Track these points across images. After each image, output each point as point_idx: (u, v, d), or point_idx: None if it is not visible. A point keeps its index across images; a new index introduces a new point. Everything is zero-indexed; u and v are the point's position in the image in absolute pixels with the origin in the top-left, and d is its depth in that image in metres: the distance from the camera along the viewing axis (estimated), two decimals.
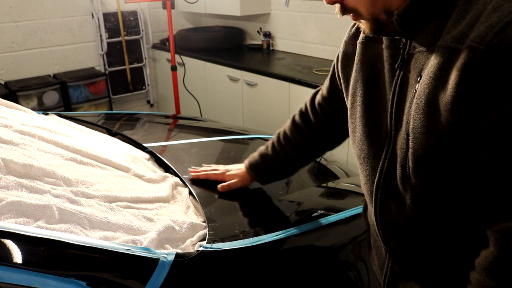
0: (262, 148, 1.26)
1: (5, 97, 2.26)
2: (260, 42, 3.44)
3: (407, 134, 0.71)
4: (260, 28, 3.46)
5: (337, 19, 3.38)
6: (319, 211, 1.25)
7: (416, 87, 0.70)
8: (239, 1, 3.16)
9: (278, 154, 1.20)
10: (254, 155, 1.27)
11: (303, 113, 1.17)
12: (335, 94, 1.03)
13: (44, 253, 0.81)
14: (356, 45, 0.87)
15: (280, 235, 1.08)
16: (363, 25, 0.75)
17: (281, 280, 1.03)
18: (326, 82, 1.07)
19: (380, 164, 0.79)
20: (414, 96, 0.70)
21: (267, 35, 3.38)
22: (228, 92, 3.16)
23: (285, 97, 2.66)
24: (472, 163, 0.65)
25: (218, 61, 3.19)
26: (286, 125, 1.21)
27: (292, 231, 1.11)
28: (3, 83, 3.27)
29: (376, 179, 0.81)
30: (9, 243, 0.79)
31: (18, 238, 0.80)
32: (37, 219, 0.91)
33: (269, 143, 1.24)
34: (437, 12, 0.68)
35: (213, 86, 3.33)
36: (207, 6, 3.46)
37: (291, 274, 1.06)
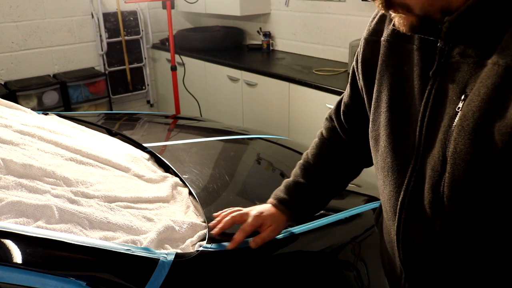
0: (289, 180, 1.04)
1: (5, 97, 2.26)
2: (260, 42, 3.44)
3: (444, 156, 0.63)
4: (260, 28, 3.46)
5: (337, 19, 3.34)
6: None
7: (460, 105, 0.61)
8: (239, 1, 3.16)
9: (315, 179, 1.01)
10: (280, 190, 1.04)
11: (330, 128, 1.02)
12: (361, 101, 0.89)
13: (44, 253, 0.81)
14: (379, 42, 0.77)
15: (280, 235, 1.08)
16: (402, 20, 0.65)
17: (281, 280, 1.03)
18: (348, 90, 0.94)
19: (406, 182, 0.71)
20: (455, 114, 0.62)
21: (267, 35, 3.38)
22: (228, 92, 3.16)
23: (285, 97, 2.66)
24: None
25: (218, 61, 3.19)
26: (312, 147, 1.04)
27: (292, 231, 1.11)
28: (3, 83, 3.27)
29: (401, 198, 0.73)
30: (9, 243, 0.78)
31: (18, 238, 0.80)
32: (37, 219, 0.91)
33: (296, 171, 1.04)
34: (492, 20, 0.59)
35: (213, 86, 3.33)
36: (207, 6, 3.46)
37: (291, 274, 1.06)
